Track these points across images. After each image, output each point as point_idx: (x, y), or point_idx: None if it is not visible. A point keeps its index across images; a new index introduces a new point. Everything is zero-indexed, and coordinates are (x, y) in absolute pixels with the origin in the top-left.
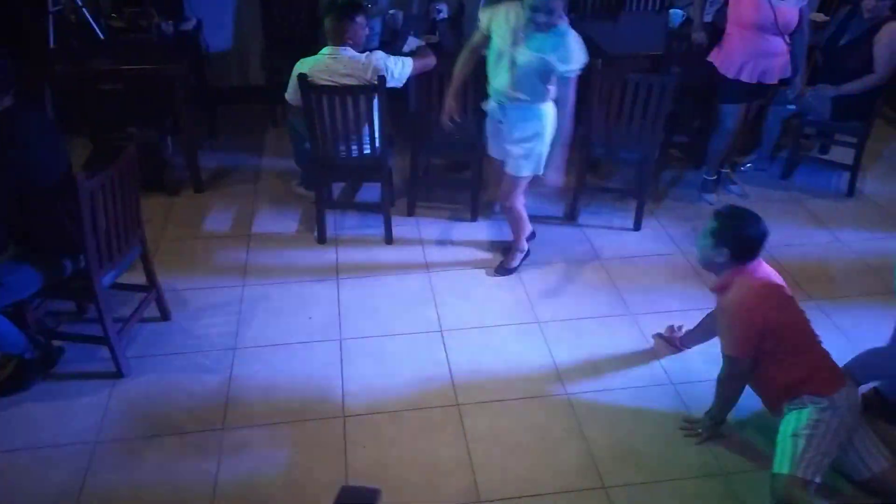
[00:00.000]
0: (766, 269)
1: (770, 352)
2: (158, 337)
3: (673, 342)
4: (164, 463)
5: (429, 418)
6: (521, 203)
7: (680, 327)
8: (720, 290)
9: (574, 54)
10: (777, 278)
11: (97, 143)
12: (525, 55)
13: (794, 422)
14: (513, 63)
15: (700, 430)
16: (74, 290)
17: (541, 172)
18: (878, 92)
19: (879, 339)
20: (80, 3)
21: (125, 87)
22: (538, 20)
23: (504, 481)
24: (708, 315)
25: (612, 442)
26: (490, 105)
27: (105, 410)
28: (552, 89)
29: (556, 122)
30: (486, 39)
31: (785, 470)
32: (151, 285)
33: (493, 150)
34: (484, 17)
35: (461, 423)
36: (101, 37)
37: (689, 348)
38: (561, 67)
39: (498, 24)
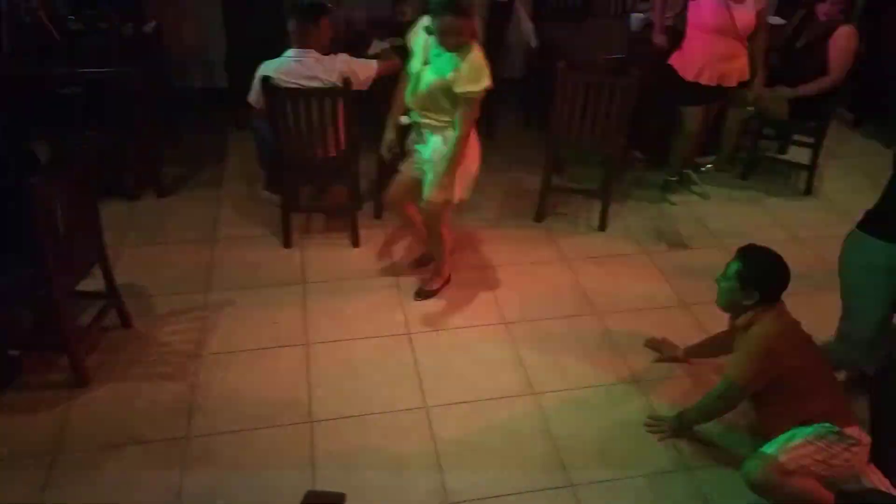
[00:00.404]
0: (787, 310)
1: (783, 389)
2: (119, 345)
3: (675, 355)
4: (126, 474)
5: (396, 421)
6: (444, 227)
7: (663, 339)
8: (744, 327)
9: (471, 76)
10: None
11: (55, 147)
12: (428, 76)
13: (799, 431)
14: (419, 83)
15: (665, 429)
16: (32, 297)
17: (456, 199)
18: (833, 93)
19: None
20: (35, 6)
21: (84, 91)
22: (444, 41)
23: (472, 482)
24: (723, 333)
25: (579, 440)
26: (409, 124)
27: (64, 421)
28: None
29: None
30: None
31: (771, 450)
32: (111, 292)
33: (405, 166)
34: (409, 38)
35: (429, 426)
36: (59, 39)
37: (693, 359)
38: (456, 88)
39: (416, 44)
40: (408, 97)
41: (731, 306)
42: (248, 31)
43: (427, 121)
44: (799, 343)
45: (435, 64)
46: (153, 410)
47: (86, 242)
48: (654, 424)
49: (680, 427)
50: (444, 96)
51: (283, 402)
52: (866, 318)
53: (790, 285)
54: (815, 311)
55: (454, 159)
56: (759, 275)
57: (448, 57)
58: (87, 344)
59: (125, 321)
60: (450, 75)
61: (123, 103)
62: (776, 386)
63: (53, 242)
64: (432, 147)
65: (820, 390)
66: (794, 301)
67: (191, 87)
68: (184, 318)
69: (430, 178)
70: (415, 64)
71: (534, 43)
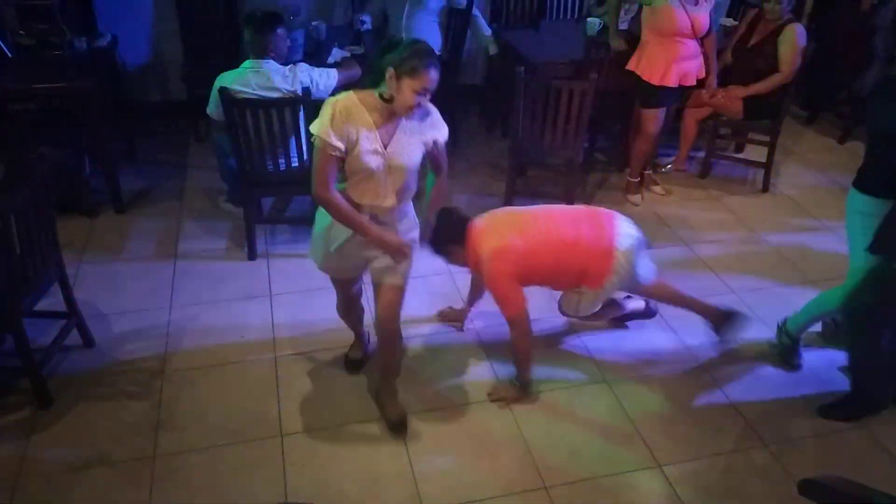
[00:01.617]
0: (482, 226)
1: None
2: (82, 365)
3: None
4: (94, 496)
5: (369, 432)
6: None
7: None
8: (472, 265)
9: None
10: (500, 227)
11: (9, 164)
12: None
13: None
14: None
15: (504, 395)
16: None
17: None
18: (786, 91)
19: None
20: None
21: (37, 107)
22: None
23: (446, 489)
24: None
25: (551, 442)
26: None
27: (27, 445)
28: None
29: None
30: None
31: None
32: (72, 311)
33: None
34: None
35: (402, 436)
36: (10, 55)
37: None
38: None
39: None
40: None
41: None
42: (205, 42)
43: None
44: (515, 254)
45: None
46: (119, 430)
47: (44, 261)
48: (495, 393)
49: (521, 387)
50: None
51: (253, 416)
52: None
53: (753, 279)
54: (778, 303)
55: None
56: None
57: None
58: (49, 365)
59: (87, 340)
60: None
61: (78, 118)
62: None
63: (10, 262)
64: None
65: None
66: (758, 295)
67: (148, 101)
68: (147, 335)
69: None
70: None
71: (493, 50)
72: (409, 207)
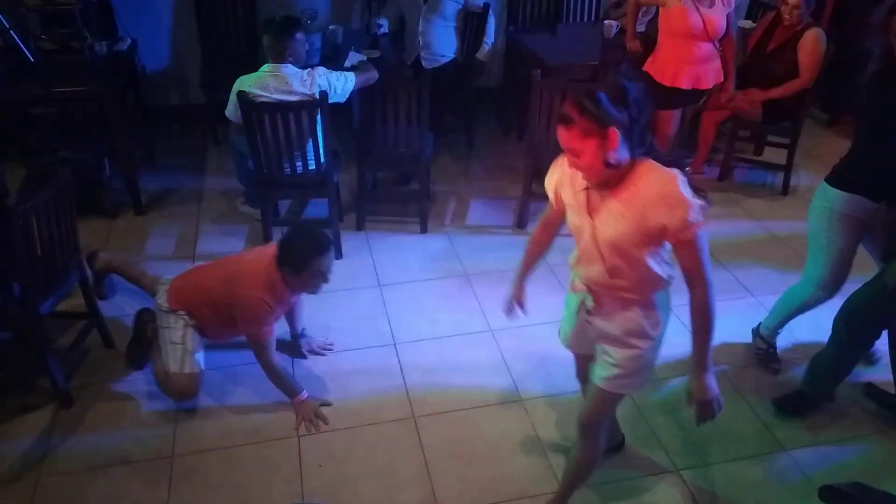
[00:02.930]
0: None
1: None
2: (102, 365)
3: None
4: (111, 495)
5: (384, 432)
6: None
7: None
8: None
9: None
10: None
11: (31, 168)
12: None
13: None
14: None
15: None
16: (11, 319)
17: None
18: (806, 94)
19: (817, 328)
20: (7, 25)
21: (59, 110)
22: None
23: (462, 491)
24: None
25: (568, 446)
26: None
27: (48, 444)
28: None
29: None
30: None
31: None
32: (92, 312)
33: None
34: (549, 183)
35: (417, 436)
36: (32, 59)
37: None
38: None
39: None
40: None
41: None
42: (223, 46)
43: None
44: None
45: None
46: (138, 430)
47: (65, 262)
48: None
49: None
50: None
51: (270, 416)
52: (822, 259)
53: (773, 283)
54: None
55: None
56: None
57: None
58: (70, 365)
59: (107, 341)
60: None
61: (99, 122)
62: None
63: (32, 264)
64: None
65: None
66: (774, 300)
67: (167, 105)
68: None
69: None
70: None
71: (482, 57)
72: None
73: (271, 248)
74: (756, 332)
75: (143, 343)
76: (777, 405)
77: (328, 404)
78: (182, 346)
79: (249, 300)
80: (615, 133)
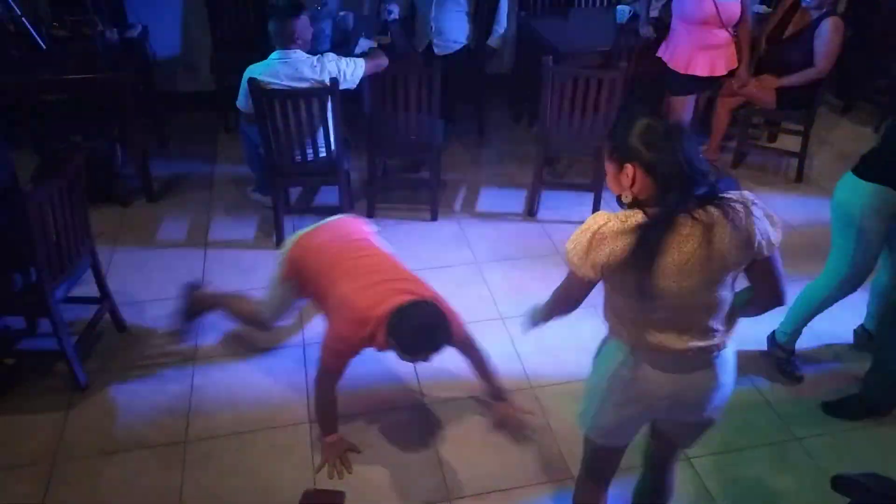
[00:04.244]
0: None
1: None
2: (115, 349)
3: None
4: (126, 479)
5: (396, 419)
6: None
7: None
8: None
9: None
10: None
11: (44, 154)
12: None
13: None
14: None
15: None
16: (26, 304)
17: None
18: (820, 81)
19: (833, 319)
20: (19, 13)
21: (70, 97)
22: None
23: (473, 477)
24: None
25: (576, 433)
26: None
27: (63, 427)
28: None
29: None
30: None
31: None
32: (104, 297)
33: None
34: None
35: (428, 422)
36: (44, 47)
37: None
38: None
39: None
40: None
41: None
42: (234, 32)
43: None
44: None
45: None
46: (152, 414)
47: (78, 248)
48: None
49: None
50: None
51: (282, 402)
52: (849, 252)
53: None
54: None
55: None
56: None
57: None
58: (83, 349)
59: (119, 325)
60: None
61: (110, 109)
62: None
63: (47, 250)
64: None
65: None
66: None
67: (177, 91)
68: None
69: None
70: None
71: (494, 44)
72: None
73: (393, 300)
74: (772, 340)
75: (192, 315)
76: (829, 410)
77: (357, 451)
78: (279, 297)
79: (340, 332)
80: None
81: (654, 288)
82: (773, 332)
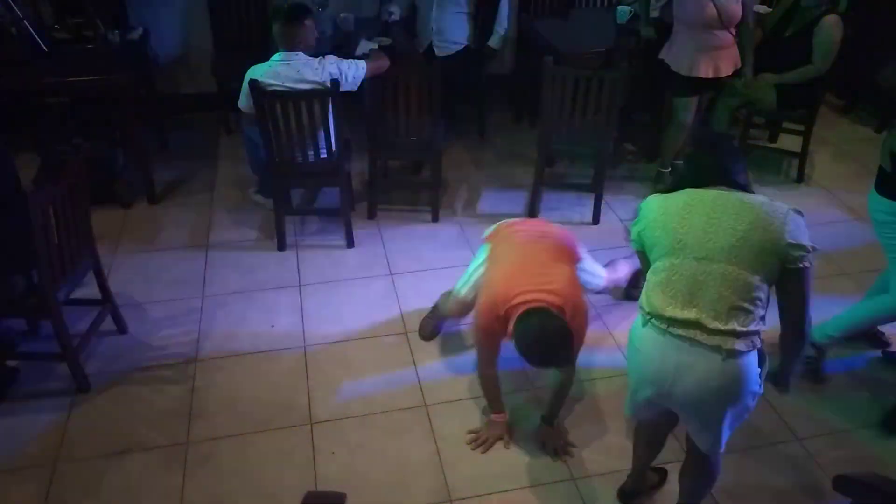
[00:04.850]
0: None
1: None
2: (117, 351)
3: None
4: (127, 481)
5: (397, 420)
6: None
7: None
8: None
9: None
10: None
11: (45, 157)
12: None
13: None
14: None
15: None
16: (28, 307)
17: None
18: (821, 81)
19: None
20: (20, 15)
21: (72, 100)
22: None
23: (474, 479)
24: None
25: (581, 434)
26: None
27: (64, 430)
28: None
29: None
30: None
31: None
32: (106, 299)
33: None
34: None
35: (430, 424)
36: (45, 49)
37: None
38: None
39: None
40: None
41: None
42: (235, 34)
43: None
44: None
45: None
46: (153, 416)
47: (80, 250)
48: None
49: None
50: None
51: (283, 404)
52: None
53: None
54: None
55: None
56: None
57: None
58: (85, 351)
59: (121, 327)
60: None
61: (112, 111)
62: None
63: (48, 251)
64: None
65: None
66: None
67: (179, 94)
68: (180, 323)
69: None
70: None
71: (494, 45)
72: None
73: (529, 296)
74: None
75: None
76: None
77: (506, 446)
78: (475, 276)
79: (479, 308)
80: None
81: None
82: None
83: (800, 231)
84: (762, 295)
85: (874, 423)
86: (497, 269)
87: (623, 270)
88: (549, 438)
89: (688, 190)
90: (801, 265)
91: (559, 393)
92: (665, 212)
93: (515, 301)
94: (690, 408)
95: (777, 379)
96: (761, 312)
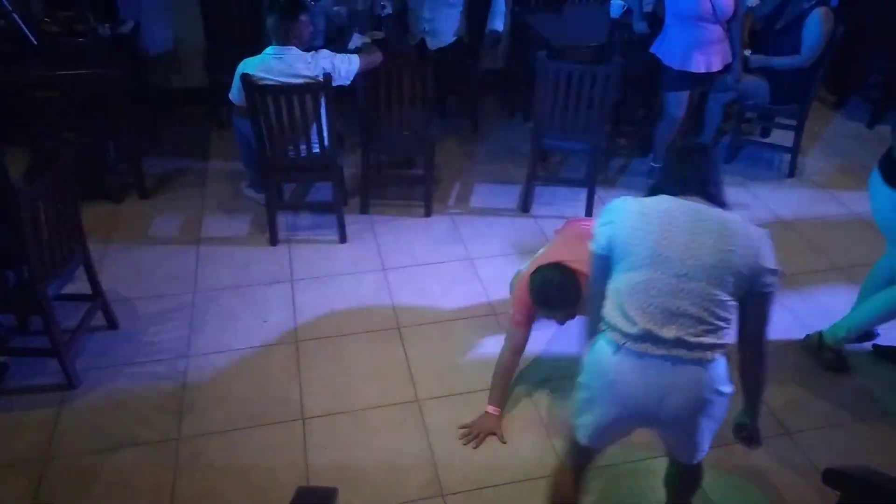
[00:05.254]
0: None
1: None
2: (107, 347)
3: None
4: (118, 477)
5: (389, 416)
6: None
7: None
8: None
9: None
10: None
11: (35, 151)
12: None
13: None
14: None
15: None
16: (18, 302)
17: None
18: (813, 75)
19: (826, 314)
20: (10, 8)
21: (62, 94)
22: None
23: (466, 473)
24: None
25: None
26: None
27: (55, 426)
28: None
29: None
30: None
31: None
32: (96, 294)
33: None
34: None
35: (422, 419)
36: (35, 42)
37: None
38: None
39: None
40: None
41: None
42: (227, 28)
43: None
44: None
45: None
46: (144, 412)
47: (70, 245)
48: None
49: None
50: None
51: (275, 400)
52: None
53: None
54: (805, 291)
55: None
56: None
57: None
58: (75, 347)
59: (112, 323)
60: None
61: (103, 105)
62: None
63: (39, 247)
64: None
65: None
66: (784, 281)
67: (170, 87)
68: (171, 319)
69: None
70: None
71: (488, 43)
72: None
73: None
74: (819, 342)
75: None
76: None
77: (502, 441)
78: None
79: (520, 283)
80: None
81: None
82: (818, 334)
83: (771, 256)
84: (734, 313)
85: (864, 416)
86: (547, 249)
87: None
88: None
89: (665, 197)
90: (771, 290)
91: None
92: (642, 219)
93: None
94: (677, 425)
95: (745, 431)
96: (730, 327)
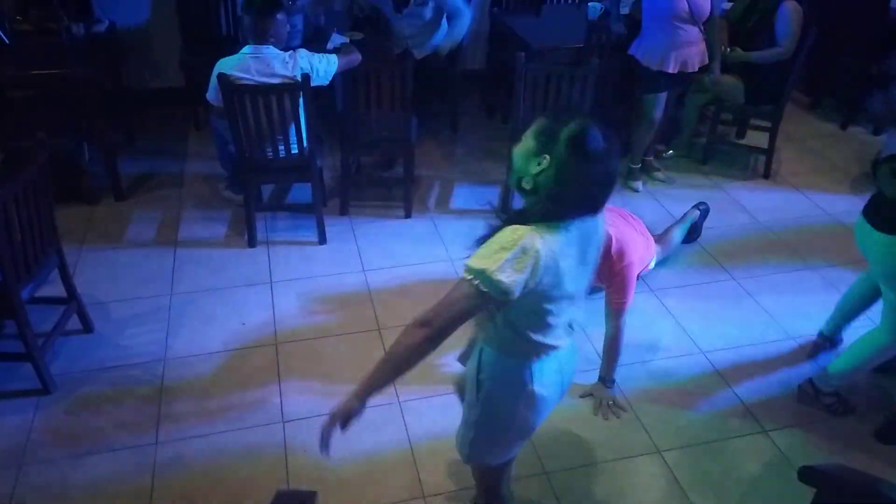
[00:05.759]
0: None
1: None
2: (83, 350)
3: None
4: (95, 482)
5: (370, 417)
6: None
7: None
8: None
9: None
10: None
11: (8, 152)
12: None
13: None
14: None
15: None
16: None
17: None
18: (787, 76)
19: (797, 311)
20: None
21: (36, 93)
22: None
23: (447, 475)
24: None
25: (551, 429)
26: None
27: (29, 431)
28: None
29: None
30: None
31: None
32: (71, 297)
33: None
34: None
35: (403, 420)
36: (7, 41)
37: None
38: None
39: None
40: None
41: None
42: (203, 27)
43: None
44: None
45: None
46: (121, 416)
47: (44, 247)
48: (612, 409)
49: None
50: None
51: (254, 402)
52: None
53: (754, 266)
54: (780, 290)
55: None
56: None
57: None
58: (50, 351)
59: (87, 326)
60: None
61: (77, 105)
62: None
63: (11, 249)
64: None
65: None
66: (758, 281)
67: (146, 88)
68: (148, 322)
69: None
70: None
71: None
72: None
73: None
74: (814, 389)
75: None
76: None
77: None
78: None
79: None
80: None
81: None
82: (811, 382)
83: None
84: None
85: (844, 417)
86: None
87: (676, 238)
88: (602, 395)
89: (561, 226)
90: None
91: (609, 350)
92: (555, 255)
93: None
94: None
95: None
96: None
